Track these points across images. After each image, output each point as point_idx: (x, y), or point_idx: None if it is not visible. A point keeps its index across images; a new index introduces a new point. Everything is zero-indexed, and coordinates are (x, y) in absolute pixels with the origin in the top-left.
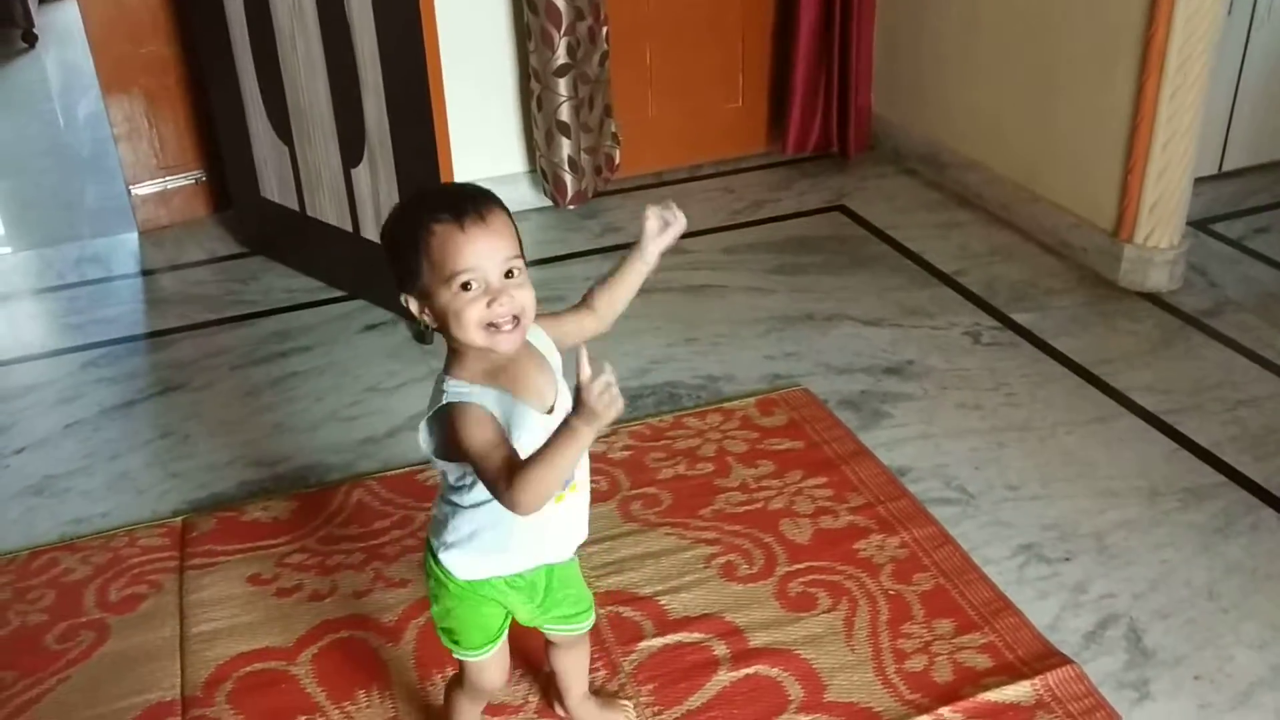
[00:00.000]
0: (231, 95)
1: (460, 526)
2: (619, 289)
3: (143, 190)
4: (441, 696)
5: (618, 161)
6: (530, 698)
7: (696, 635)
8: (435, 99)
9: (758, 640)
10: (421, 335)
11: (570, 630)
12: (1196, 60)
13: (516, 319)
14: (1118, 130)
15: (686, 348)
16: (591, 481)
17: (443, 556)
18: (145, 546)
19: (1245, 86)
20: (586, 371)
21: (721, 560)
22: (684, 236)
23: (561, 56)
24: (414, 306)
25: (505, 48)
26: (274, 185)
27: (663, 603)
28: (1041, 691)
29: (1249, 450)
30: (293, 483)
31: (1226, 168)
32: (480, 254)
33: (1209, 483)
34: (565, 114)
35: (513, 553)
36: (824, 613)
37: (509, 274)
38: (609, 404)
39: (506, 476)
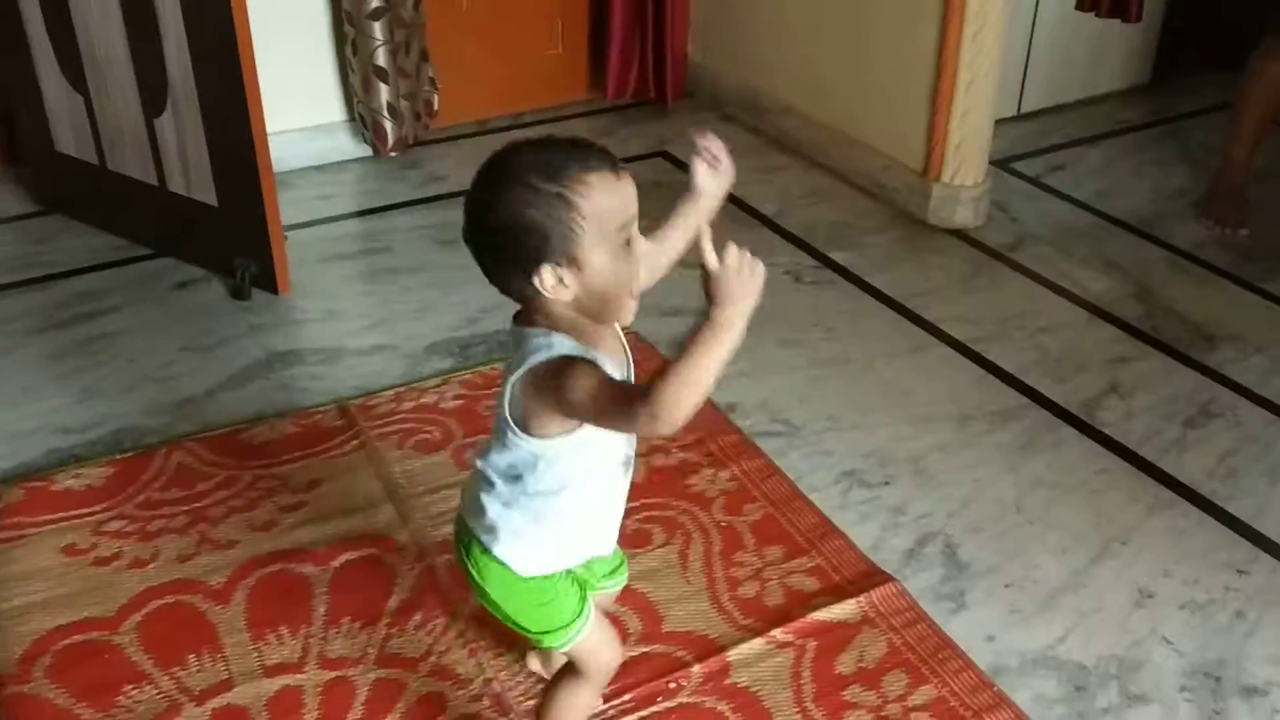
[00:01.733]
0: (17, 43)
1: (514, 519)
2: (669, 230)
3: None
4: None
5: (436, 107)
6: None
7: None
8: (242, 44)
9: None
10: (239, 290)
11: (615, 586)
12: (994, 4)
13: None
14: (924, 74)
15: None
16: (424, 432)
17: (500, 552)
18: None
19: (1039, 32)
20: (712, 256)
21: None
22: None
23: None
24: (549, 279)
25: None
26: (69, 138)
27: None
28: (866, 608)
29: (1049, 373)
30: (107, 448)
31: (1025, 109)
32: (632, 200)
33: (1014, 405)
34: (382, 59)
35: (570, 542)
36: (659, 547)
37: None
38: (751, 278)
39: (641, 394)
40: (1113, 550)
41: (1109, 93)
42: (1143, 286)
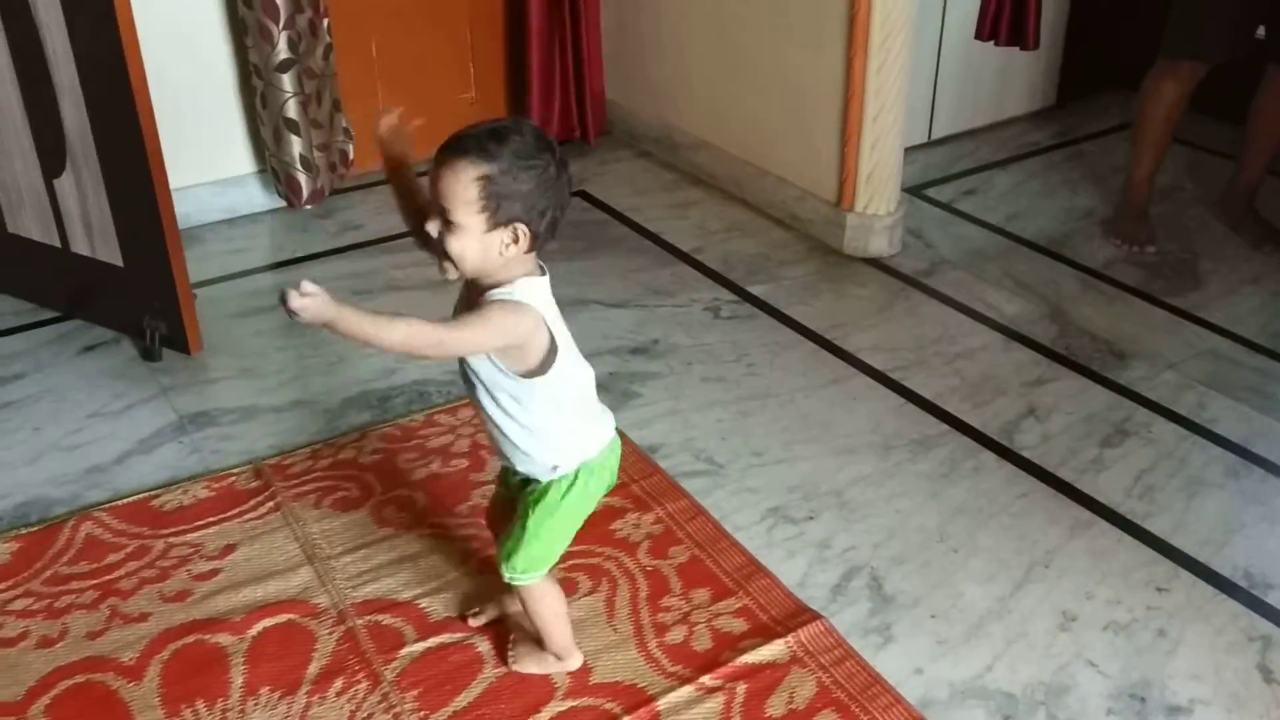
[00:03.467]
0: None
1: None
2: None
3: None
4: None
5: (352, 157)
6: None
7: (459, 635)
8: (141, 100)
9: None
10: (149, 352)
11: None
12: (897, 36)
13: None
14: (832, 105)
15: None
16: (342, 489)
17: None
18: None
19: (945, 59)
20: None
21: (481, 556)
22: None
23: (283, 51)
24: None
25: (220, 43)
26: None
27: (423, 605)
28: (795, 648)
29: (968, 399)
30: (11, 522)
31: (935, 136)
32: None
33: (934, 433)
34: (293, 110)
35: None
36: (585, 596)
37: None
38: None
39: None
40: (1035, 574)
41: (1016, 116)
42: (1055, 307)
